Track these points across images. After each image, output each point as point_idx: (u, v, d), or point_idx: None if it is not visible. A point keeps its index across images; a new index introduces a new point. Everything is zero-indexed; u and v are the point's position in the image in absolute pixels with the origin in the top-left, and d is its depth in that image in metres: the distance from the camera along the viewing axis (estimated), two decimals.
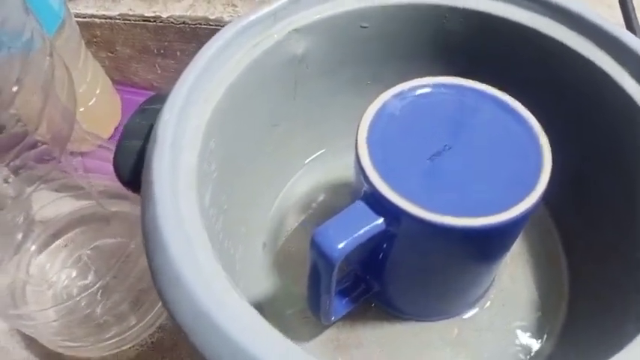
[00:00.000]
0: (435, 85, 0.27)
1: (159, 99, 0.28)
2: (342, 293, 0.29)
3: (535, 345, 0.30)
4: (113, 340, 0.36)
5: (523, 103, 0.26)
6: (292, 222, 0.34)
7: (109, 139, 0.45)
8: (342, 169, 0.36)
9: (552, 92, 0.29)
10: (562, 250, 0.32)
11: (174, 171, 0.22)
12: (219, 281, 0.20)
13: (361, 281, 0.29)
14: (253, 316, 0.19)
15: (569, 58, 0.28)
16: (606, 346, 0.26)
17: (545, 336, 0.30)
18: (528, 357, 0.29)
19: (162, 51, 0.43)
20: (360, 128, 0.25)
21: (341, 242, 0.23)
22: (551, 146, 0.24)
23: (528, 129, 0.25)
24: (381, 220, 0.23)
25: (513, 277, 0.32)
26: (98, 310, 0.36)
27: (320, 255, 0.23)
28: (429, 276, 0.27)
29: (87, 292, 0.37)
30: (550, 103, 0.29)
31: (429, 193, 0.23)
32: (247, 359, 0.18)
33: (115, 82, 0.47)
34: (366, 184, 0.24)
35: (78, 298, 0.35)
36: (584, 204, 0.30)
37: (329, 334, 0.30)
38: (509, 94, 0.26)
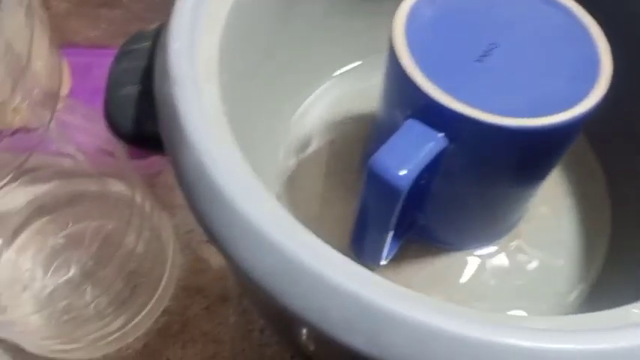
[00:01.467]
0: None
1: (142, 37, 0.23)
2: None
3: (582, 259, 0.28)
4: (115, 335, 0.31)
5: None
6: (302, 167, 0.31)
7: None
8: (344, 100, 0.32)
9: None
10: (605, 182, 0.31)
11: (203, 112, 0.18)
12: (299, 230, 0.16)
13: (405, 215, 0.26)
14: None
15: None
16: None
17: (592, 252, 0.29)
18: (576, 272, 0.28)
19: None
20: (396, 35, 0.22)
21: (404, 168, 0.20)
22: None
23: (577, 21, 0.22)
24: (442, 135, 0.21)
25: (551, 204, 0.30)
26: (92, 306, 0.32)
27: (382, 186, 0.20)
28: (480, 195, 0.25)
29: (72, 288, 0.32)
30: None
31: (489, 97, 0.20)
32: None
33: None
34: (416, 97, 0.21)
35: (64, 299, 0.30)
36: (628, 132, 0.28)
37: None
38: None
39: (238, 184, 0.16)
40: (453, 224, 0.27)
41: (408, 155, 0.20)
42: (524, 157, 0.22)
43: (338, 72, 0.32)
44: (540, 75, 0.21)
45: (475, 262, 0.28)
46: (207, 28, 0.21)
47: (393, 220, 0.22)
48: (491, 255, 0.28)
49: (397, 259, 0.27)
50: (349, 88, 0.32)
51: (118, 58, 0.23)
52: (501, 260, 0.28)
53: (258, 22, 0.26)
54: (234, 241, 0.16)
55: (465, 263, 0.28)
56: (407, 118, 0.21)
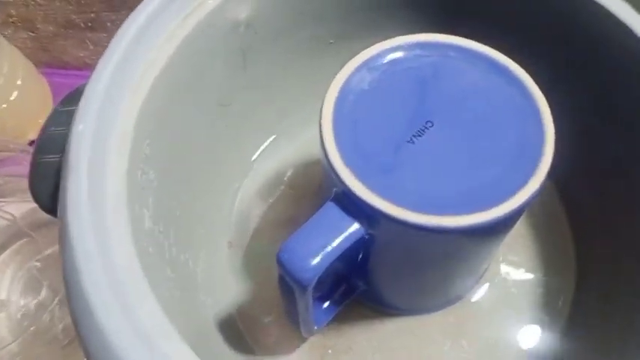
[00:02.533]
0: (409, 46, 0.22)
1: (78, 96, 0.23)
2: (322, 298, 0.25)
3: (542, 323, 0.27)
4: None
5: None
6: (260, 212, 0.30)
7: None
8: (310, 143, 0.31)
9: (547, 39, 0.25)
10: (565, 218, 0.29)
11: (97, 201, 0.18)
12: (168, 342, 0.16)
13: (342, 281, 0.25)
14: None
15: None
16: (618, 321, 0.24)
17: (552, 314, 0.27)
18: (535, 337, 0.26)
19: (89, 24, 0.37)
20: (324, 112, 0.20)
21: (312, 258, 0.19)
22: (551, 106, 0.20)
23: (524, 93, 0.21)
24: (357, 226, 0.19)
25: (512, 251, 0.28)
26: (60, 329, 0.33)
27: (289, 276, 0.19)
28: (421, 272, 0.23)
29: (42, 311, 0.33)
30: (546, 53, 0.24)
31: (413, 186, 0.19)
32: None
33: (42, 64, 0.41)
34: (336, 183, 0.20)
35: (35, 322, 0.31)
36: (586, 166, 0.26)
37: (314, 340, 0.27)
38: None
39: (104, 295, 0.16)
40: (396, 293, 0.26)
41: (318, 244, 0.19)
42: (454, 248, 0.21)
43: (302, 113, 0.31)
44: (474, 161, 0.20)
45: (424, 327, 0.27)
46: (129, 92, 0.21)
47: (309, 303, 0.21)
48: (442, 321, 0.27)
49: (342, 320, 0.26)
50: (314, 131, 0.31)
51: (49, 120, 0.23)
52: (451, 322, 0.27)
53: (208, 71, 0.25)
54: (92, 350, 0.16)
55: (416, 328, 0.27)
56: (330, 198, 0.20)
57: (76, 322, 0.17)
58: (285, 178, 0.31)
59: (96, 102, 0.20)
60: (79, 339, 0.16)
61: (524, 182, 0.19)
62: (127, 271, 0.17)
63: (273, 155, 0.31)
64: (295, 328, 0.24)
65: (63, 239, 0.17)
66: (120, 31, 0.21)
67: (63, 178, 0.18)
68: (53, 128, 0.22)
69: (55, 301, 0.34)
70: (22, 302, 0.35)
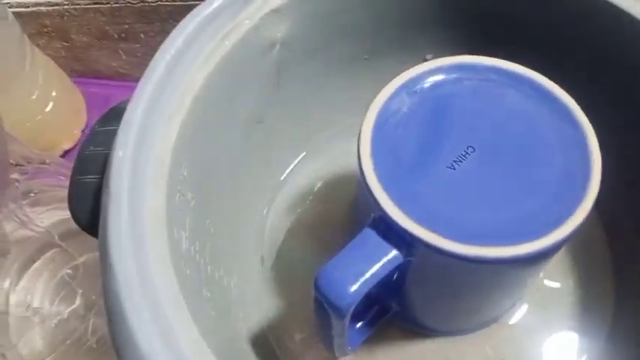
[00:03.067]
0: (449, 69, 0.22)
1: (115, 115, 0.23)
2: (356, 319, 0.25)
3: (579, 347, 0.26)
4: None
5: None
6: (293, 226, 0.30)
7: (76, 145, 0.40)
8: (341, 157, 0.31)
9: (589, 61, 0.24)
10: (605, 239, 0.28)
11: (137, 228, 0.18)
12: None
13: (376, 303, 0.25)
14: None
15: (610, 16, 0.23)
16: None
17: (590, 338, 0.26)
18: None
19: (123, 35, 0.38)
20: (362, 137, 0.20)
21: (351, 285, 0.19)
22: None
23: (569, 119, 0.20)
24: (396, 253, 0.19)
25: (551, 275, 0.28)
26: (93, 339, 0.33)
27: (327, 303, 0.19)
28: (457, 297, 0.23)
29: (77, 319, 0.33)
30: (588, 75, 0.24)
31: (454, 214, 0.19)
32: None
33: (76, 73, 0.42)
34: (375, 209, 0.19)
35: (70, 331, 0.32)
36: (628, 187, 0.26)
37: None
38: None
39: (144, 321, 0.16)
40: (430, 315, 0.26)
41: (357, 271, 0.19)
42: (493, 277, 0.21)
43: (333, 129, 0.31)
44: (516, 188, 0.19)
45: (458, 349, 0.26)
46: (167, 116, 0.21)
47: (345, 329, 0.21)
48: (477, 343, 0.26)
49: (374, 341, 0.26)
50: (345, 147, 0.31)
51: (88, 139, 0.23)
52: (487, 346, 0.26)
53: (243, 90, 0.25)
54: None
55: (449, 350, 0.26)
56: (367, 223, 0.20)
57: (117, 348, 0.17)
58: (316, 190, 0.31)
59: (135, 127, 0.20)
60: None
61: (569, 213, 0.18)
62: (168, 298, 0.17)
63: (304, 170, 0.31)
64: (328, 348, 0.24)
65: (104, 265, 0.17)
66: (158, 54, 0.21)
67: (103, 204, 0.19)
68: (92, 148, 0.22)
69: (93, 312, 0.34)
70: (55, 310, 0.35)
